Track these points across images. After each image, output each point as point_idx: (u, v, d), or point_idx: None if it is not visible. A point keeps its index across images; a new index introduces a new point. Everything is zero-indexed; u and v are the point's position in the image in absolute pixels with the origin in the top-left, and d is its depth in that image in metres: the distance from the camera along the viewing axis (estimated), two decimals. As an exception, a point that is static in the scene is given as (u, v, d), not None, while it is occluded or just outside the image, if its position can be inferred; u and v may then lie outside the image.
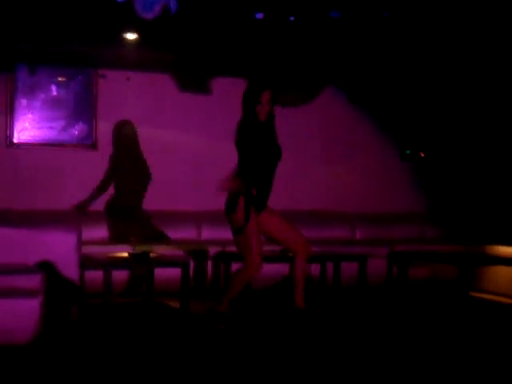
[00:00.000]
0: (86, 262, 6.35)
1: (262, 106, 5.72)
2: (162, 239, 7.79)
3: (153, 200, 7.91)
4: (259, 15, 6.20)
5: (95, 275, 6.51)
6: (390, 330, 6.00)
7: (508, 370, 4.84)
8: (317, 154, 8.81)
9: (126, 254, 6.85)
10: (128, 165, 7.73)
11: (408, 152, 9.13)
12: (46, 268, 5.46)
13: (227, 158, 8.06)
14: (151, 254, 6.92)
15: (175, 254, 7.43)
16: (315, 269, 7.44)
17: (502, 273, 7.53)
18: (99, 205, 7.80)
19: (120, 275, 7.09)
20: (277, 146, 5.87)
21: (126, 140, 7.77)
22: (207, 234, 8.10)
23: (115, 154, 7.86)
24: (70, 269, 5.86)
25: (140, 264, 6.83)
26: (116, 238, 7.68)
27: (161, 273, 7.11)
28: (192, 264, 7.26)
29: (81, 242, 6.10)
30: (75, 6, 6.32)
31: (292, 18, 6.34)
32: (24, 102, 7.90)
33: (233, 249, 7.27)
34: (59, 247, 5.79)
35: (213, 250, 7.58)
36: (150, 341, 5.45)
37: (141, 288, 7.29)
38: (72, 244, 5.89)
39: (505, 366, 4.93)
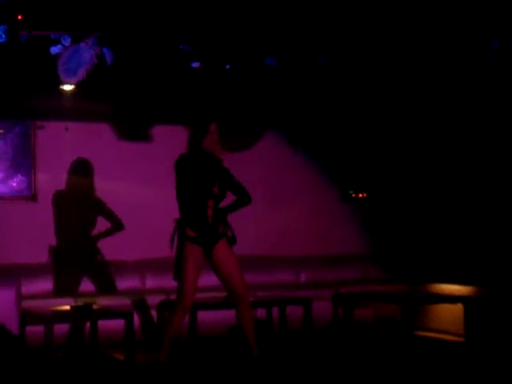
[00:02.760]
0: (26, 317, 6.24)
1: (210, 134, 5.79)
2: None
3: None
4: (196, 64, 6.26)
5: (38, 329, 6.40)
6: (337, 372, 6.00)
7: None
8: (259, 198, 8.82)
9: (68, 307, 6.76)
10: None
11: (351, 192, 9.23)
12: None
13: (169, 204, 8.12)
14: (94, 306, 6.84)
15: (121, 304, 7.34)
16: (261, 313, 7.42)
17: (444, 310, 7.61)
18: (40, 257, 7.69)
19: (63, 328, 6.99)
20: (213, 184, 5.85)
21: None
22: (151, 282, 8.02)
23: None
24: (10, 324, 5.75)
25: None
26: (62, 290, 7.57)
27: (107, 324, 7.02)
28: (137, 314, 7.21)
29: (20, 297, 6.00)
30: (10, 58, 6.29)
31: (228, 66, 6.42)
32: (-39, 155, 7.80)
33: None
34: (-1, 302, 5.68)
35: (157, 299, 7.51)
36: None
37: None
38: (11, 299, 5.79)
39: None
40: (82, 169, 7.96)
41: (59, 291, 7.58)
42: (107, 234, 7.99)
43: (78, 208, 7.94)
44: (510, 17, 6.53)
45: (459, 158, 8.43)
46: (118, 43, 6.13)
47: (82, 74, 5.73)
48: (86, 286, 7.76)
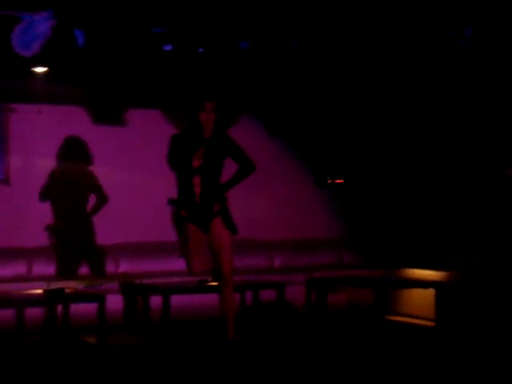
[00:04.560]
0: (-3, 300, 6.23)
1: (205, 111, 5.82)
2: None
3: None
4: (168, 47, 6.23)
5: (9, 313, 6.38)
6: (308, 356, 6.03)
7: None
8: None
9: (40, 291, 6.75)
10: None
11: (327, 178, 9.24)
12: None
13: (144, 188, 8.13)
14: (66, 290, 6.83)
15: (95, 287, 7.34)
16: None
17: (416, 295, 7.67)
18: (11, 241, 7.65)
19: (36, 312, 6.96)
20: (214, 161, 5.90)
21: None
22: (125, 266, 8.00)
23: None
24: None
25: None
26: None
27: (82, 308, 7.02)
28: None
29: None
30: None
31: (201, 50, 6.40)
32: None
33: (150, 281, 7.29)
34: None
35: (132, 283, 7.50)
36: (61, 376, 5.35)
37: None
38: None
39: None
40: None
41: (33, 275, 7.56)
42: (94, 211, 7.94)
43: (52, 191, 7.90)
44: (483, 3, 6.55)
45: (433, 144, 8.48)
46: (90, 25, 6.09)
47: (37, 46, 5.65)
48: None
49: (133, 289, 7.41)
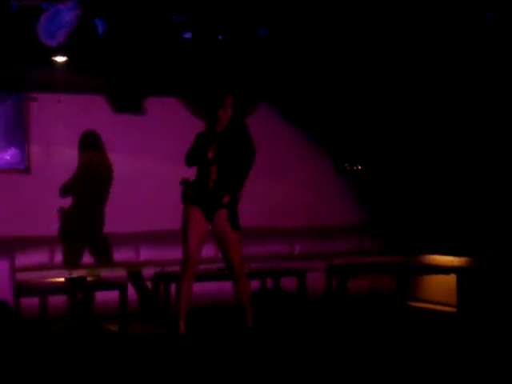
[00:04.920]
0: (21, 289, 6.26)
1: (223, 109, 5.89)
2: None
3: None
4: (188, 35, 6.22)
5: (33, 301, 6.43)
6: (330, 343, 6.04)
7: (443, 375, 4.92)
8: (254, 171, 8.81)
9: (62, 279, 6.80)
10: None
11: (346, 165, 9.22)
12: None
13: (163, 176, 8.14)
14: (88, 278, 6.88)
15: (116, 275, 7.36)
16: (255, 285, 7.45)
17: (437, 281, 7.65)
18: (33, 230, 7.70)
19: (59, 300, 7.01)
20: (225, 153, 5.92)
21: None
22: (145, 254, 8.03)
23: None
24: (4, 296, 5.77)
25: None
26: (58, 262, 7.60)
27: (103, 296, 7.05)
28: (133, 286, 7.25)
29: (14, 269, 6.02)
30: (2, 29, 6.25)
31: (221, 37, 6.38)
32: (-47, 128, 7.77)
33: (171, 269, 7.31)
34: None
35: (151, 271, 7.53)
36: (85, 364, 5.39)
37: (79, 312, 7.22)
38: (5, 271, 5.80)
39: (440, 372, 5.01)
40: (75, 141, 7.95)
41: (55, 263, 7.61)
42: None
43: (73, 180, 7.93)
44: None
45: (452, 130, 8.43)
46: (110, 14, 6.09)
47: (62, 35, 5.65)
48: (82, 258, 7.78)
49: (157, 277, 7.44)
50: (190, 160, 6.04)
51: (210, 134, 6.00)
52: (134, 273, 7.49)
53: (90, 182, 8.02)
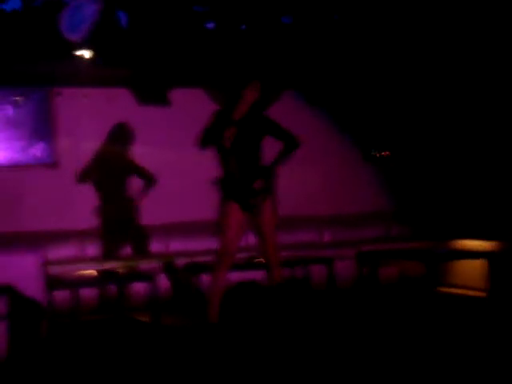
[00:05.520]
0: (53, 282, 6.32)
1: (253, 92, 5.83)
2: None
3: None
4: (210, 25, 6.23)
5: (64, 294, 6.49)
6: (361, 330, 6.04)
7: (475, 362, 4.89)
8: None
9: (94, 272, 6.84)
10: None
11: (373, 151, 9.19)
12: (9, 291, 5.41)
13: (191, 167, 8.16)
14: (120, 271, 6.92)
15: (147, 267, 7.39)
16: (284, 273, 7.44)
17: (468, 266, 7.59)
18: (62, 224, 7.77)
19: (91, 292, 7.07)
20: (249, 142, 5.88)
21: None
22: (175, 245, 8.06)
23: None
24: (34, 290, 5.82)
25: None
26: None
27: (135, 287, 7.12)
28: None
29: (46, 262, 6.07)
30: (27, 24, 6.30)
31: (244, 27, 6.37)
32: (-20, 123, 7.84)
33: (201, 259, 7.33)
34: (23, 268, 5.74)
35: (181, 262, 7.56)
36: (119, 355, 5.43)
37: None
38: (36, 265, 5.84)
39: (472, 359, 4.99)
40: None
41: (86, 256, 7.66)
42: (142, 192, 7.98)
43: (100, 172, 7.98)
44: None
45: (480, 115, 8.35)
46: (133, 6, 6.11)
47: (84, 29, 5.68)
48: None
49: (188, 267, 7.47)
50: (205, 141, 5.93)
51: (227, 120, 5.91)
52: (168, 263, 7.52)
53: (117, 174, 8.05)
